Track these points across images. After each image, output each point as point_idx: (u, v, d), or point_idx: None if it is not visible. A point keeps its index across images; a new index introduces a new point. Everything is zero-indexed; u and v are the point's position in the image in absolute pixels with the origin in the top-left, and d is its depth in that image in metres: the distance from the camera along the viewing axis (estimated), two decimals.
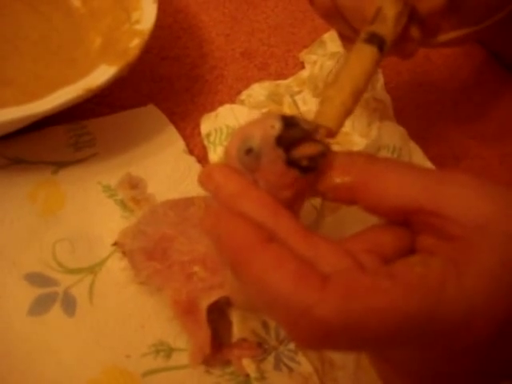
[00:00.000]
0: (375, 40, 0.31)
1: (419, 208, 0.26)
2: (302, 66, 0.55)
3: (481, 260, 0.25)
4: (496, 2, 0.36)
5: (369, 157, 0.28)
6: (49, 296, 0.40)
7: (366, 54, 0.31)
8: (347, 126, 0.49)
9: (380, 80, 0.53)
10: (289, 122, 0.27)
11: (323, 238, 0.26)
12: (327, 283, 0.24)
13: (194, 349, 0.38)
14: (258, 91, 0.51)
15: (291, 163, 0.27)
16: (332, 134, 0.30)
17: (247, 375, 0.38)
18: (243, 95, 0.51)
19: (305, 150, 0.27)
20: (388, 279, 0.24)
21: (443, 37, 0.37)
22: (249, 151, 0.27)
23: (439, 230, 0.26)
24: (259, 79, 0.54)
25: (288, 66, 0.56)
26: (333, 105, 0.29)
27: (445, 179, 0.26)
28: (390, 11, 0.33)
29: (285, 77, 0.55)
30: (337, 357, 0.39)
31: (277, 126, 0.27)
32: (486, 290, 0.24)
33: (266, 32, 0.59)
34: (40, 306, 0.39)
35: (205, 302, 0.37)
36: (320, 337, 0.24)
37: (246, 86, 0.53)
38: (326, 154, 0.27)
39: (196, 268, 0.38)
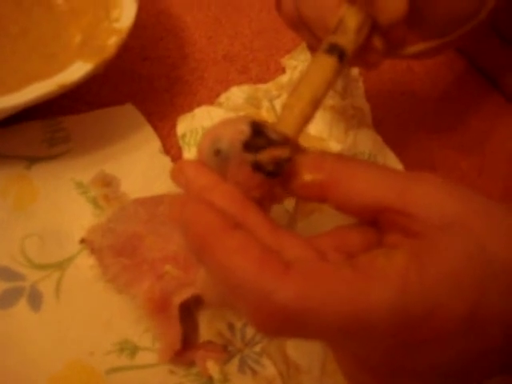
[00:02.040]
0: (335, 51, 0.32)
1: (387, 206, 0.26)
2: (284, 72, 0.55)
3: (443, 256, 0.25)
4: (460, 15, 0.37)
5: (340, 156, 0.29)
6: (15, 290, 0.39)
7: (325, 64, 0.31)
8: (324, 131, 0.49)
9: (360, 88, 0.53)
10: (257, 130, 0.27)
11: (289, 232, 0.27)
12: (289, 269, 0.24)
13: (164, 346, 0.38)
14: (237, 94, 0.51)
15: (257, 168, 0.27)
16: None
17: (210, 377, 0.38)
18: (222, 98, 0.51)
19: (271, 153, 0.27)
20: (349, 269, 0.24)
21: (412, 48, 0.37)
22: (217, 152, 0.28)
23: (404, 227, 0.26)
24: (240, 83, 0.54)
25: (269, 71, 0.56)
26: (292, 113, 0.29)
27: (412, 179, 0.27)
28: (352, 22, 0.33)
29: (265, 81, 0.54)
30: (302, 361, 0.38)
31: (245, 132, 0.27)
32: (448, 285, 0.24)
33: (249, 36, 0.58)
34: (6, 300, 0.39)
35: (178, 299, 0.38)
36: (279, 322, 0.24)
37: (226, 89, 0.53)
38: (291, 160, 0.28)
39: (167, 267, 0.38)
